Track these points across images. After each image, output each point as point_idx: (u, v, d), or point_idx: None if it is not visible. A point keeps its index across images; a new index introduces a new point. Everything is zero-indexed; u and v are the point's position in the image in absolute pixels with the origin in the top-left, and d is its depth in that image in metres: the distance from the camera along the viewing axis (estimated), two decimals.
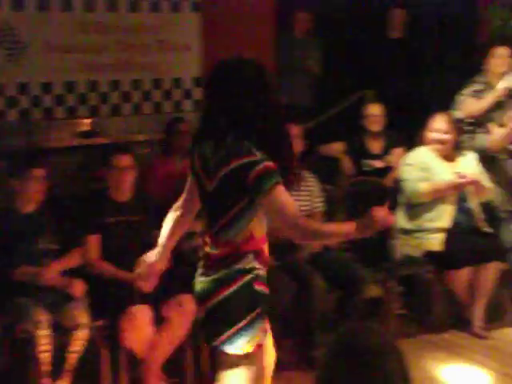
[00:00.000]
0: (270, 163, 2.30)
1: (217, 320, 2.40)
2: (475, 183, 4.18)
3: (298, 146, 4.06)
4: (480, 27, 6.06)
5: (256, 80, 2.39)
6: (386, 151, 4.97)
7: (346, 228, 2.32)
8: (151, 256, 2.65)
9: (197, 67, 5.19)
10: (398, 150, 4.86)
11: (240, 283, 2.37)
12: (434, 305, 4.30)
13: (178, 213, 2.62)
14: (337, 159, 5.04)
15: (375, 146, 5.00)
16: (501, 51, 5.23)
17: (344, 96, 5.77)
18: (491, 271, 4.20)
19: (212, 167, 2.39)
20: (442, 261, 4.14)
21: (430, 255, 4.17)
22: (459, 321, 4.27)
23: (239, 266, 2.38)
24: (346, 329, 1.54)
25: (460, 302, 4.27)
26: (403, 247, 4.27)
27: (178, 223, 2.62)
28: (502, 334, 4.20)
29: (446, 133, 4.30)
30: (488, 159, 4.52)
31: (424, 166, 4.23)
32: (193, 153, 2.48)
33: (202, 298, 2.43)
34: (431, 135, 4.29)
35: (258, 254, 2.40)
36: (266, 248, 2.45)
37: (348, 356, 1.48)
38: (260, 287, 2.40)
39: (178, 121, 4.68)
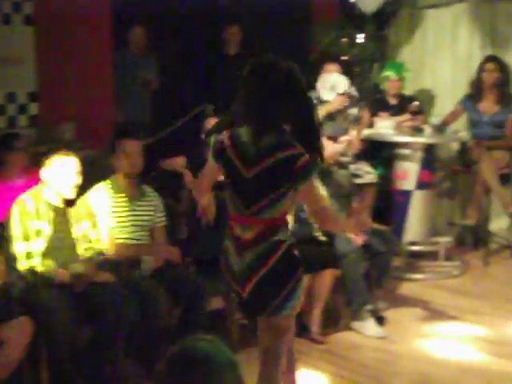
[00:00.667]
0: (310, 155, 2.62)
1: (268, 289, 2.66)
2: None
3: (139, 162, 4.04)
4: (312, 44, 6.32)
5: (299, 83, 2.65)
6: None
7: (345, 222, 2.97)
8: None
9: (32, 81, 5.03)
10: None
11: (282, 251, 2.67)
12: None
13: None
14: (179, 173, 5.04)
15: None
16: (331, 68, 5.49)
17: (184, 110, 5.80)
18: (327, 278, 4.37)
19: (252, 156, 2.65)
20: None
21: None
22: (298, 328, 4.40)
23: (277, 237, 2.67)
24: (183, 342, 1.56)
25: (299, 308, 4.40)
26: None
27: None
28: (337, 338, 4.38)
29: None
30: (322, 172, 4.69)
31: None
32: (220, 142, 2.72)
33: (246, 276, 2.67)
34: None
35: (287, 227, 2.72)
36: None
37: (183, 368, 1.51)
38: (297, 252, 2.73)
39: (13, 136, 4.50)
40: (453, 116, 6.05)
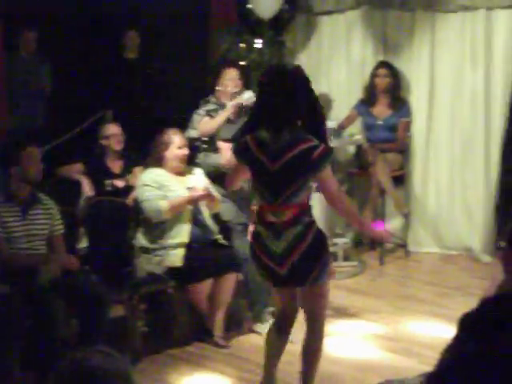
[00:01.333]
0: (324, 146, 3.10)
1: (307, 263, 3.16)
2: (208, 196, 4.35)
3: (34, 168, 3.93)
4: (211, 50, 6.33)
5: (305, 83, 3.14)
6: (127, 170, 4.98)
7: (361, 218, 3.66)
8: None
9: None
10: (137, 169, 4.89)
11: (314, 230, 3.17)
12: (177, 319, 4.39)
13: None
14: (76, 180, 4.95)
15: (116, 166, 5.00)
16: (230, 73, 5.51)
17: (82, 116, 5.70)
18: (229, 282, 4.38)
19: (275, 151, 3.13)
20: (183, 276, 4.23)
21: (172, 271, 4.24)
22: (202, 333, 4.40)
23: (307, 218, 3.18)
24: (73, 355, 1.56)
25: (202, 314, 4.41)
26: (145, 265, 4.30)
27: None
28: (239, 342, 4.41)
29: (186, 148, 4.47)
30: (221, 175, 4.70)
31: (159, 185, 4.32)
32: (243, 143, 3.20)
33: (285, 255, 3.15)
34: (176, 152, 4.38)
35: (311, 208, 3.22)
36: None
37: (72, 382, 1.50)
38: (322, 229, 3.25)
39: None
40: (348, 120, 6.18)
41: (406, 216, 6.11)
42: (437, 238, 6.32)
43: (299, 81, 3.15)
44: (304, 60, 6.60)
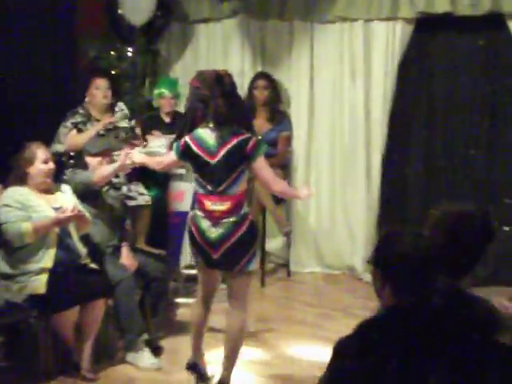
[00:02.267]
0: (255, 138, 3.76)
1: (238, 250, 3.75)
2: (77, 216, 4.22)
3: None
4: (77, 58, 6.18)
5: (233, 86, 3.83)
6: None
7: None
8: None
9: None
10: None
11: (248, 222, 3.76)
12: (40, 352, 4.22)
13: None
14: None
15: None
16: (100, 83, 5.43)
17: None
18: (97, 309, 4.28)
19: (212, 147, 3.74)
20: (46, 304, 4.09)
21: (34, 299, 4.09)
22: (68, 366, 4.26)
23: (244, 210, 3.77)
24: None
25: (68, 345, 4.27)
26: (4, 293, 4.13)
27: None
28: (111, 373, 4.30)
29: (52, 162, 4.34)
30: (91, 193, 4.60)
31: (22, 205, 4.15)
32: (184, 143, 3.80)
33: (220, 241, 3.74)
34: (41, 167, 4.25)
35: (246, 202, 3.81)
36: None
37: None
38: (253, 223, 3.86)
39: None
40: None
41: (288, 234, 6.16)
42: (319, 257, 6.44)
43: (233, 84, 3.82)
44: (179, 70, 6.63)
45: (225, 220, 3.74)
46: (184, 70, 6.54)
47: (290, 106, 6.40)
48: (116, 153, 4.84)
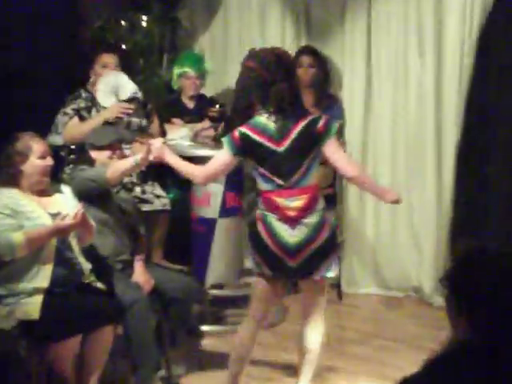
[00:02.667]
0: (326, 117, 4.04)
1: (320, 255, 3.96)
2: (80, 224, 4.18)
3: None
4: (81, 29, 6.19)
5: (294, 66, 4.28)
6: None
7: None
8: None
9: None
10: None
11: (329, 222, 4.01)
12: None
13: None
14: None
15: None
16: (107, 59, 5.42)
17: None
18: (104, 338, 4.26)
19: (279, 132, 3.93)
20: (40, 331, 4.06)
21: (25, 326, 4.08)
22: None
23: (321, 206, 4.00)
24: None
25: (66, 382, 4.23)
26: None
27: None
28: None
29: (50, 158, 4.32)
30: (100, 194, 4.57)
31: (13, 211, 4.14)
32: (240, 134, 3.96)
33: (302, 247, 3.93)
34: (36, 163, 4.24)
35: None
36: None
37: None
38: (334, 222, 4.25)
39: None
40: None
41: (340, 247, 6.04)
42: (377, 275, 6.40)
43: (293, 64, 4.23)
44: (206, 43, 6.67)
45: (305, 221, 3.93)
46: (211, 44, 6.57)
47: (341, 89, 6.38)
48: (127, 146, 4.82)
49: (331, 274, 4.07)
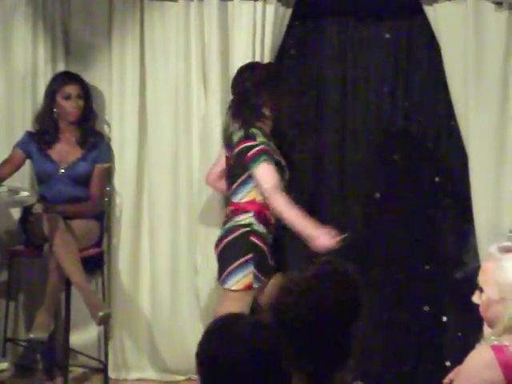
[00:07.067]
0: (263, 147, 4.64)
1: (222, 260, 4.69)
2: None
3: None
4: None
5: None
6: None
7: (303, 226, 4.55)
8: None
9: None
10: None
11: (238, 233, 4.61)
12: None
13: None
14: None
15: None
16: None
17: None
18: None
19: (232, 147, 4.73)
20: None
21: None
22: None
23: (239, 220, 4.64)
24: None
25: None
26: None
27: None
28: None
29: None
30: None
31: None
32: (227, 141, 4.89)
33: (216, 243, 4.73)
34: None
35: (258, 215, 4.64)
36: (268, 213, 4.66)
37: None
38: (254, 239, 4.60)
39: None
40: (9, 166, 5.58)
41: (106, 322, 5.50)
42: (154, 357, 5.77)
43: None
44: None
45: (224, 224, 4.83)
46: None
47: (109, 124, 5.80)
48: None
49: (228, 285, 4.60)
